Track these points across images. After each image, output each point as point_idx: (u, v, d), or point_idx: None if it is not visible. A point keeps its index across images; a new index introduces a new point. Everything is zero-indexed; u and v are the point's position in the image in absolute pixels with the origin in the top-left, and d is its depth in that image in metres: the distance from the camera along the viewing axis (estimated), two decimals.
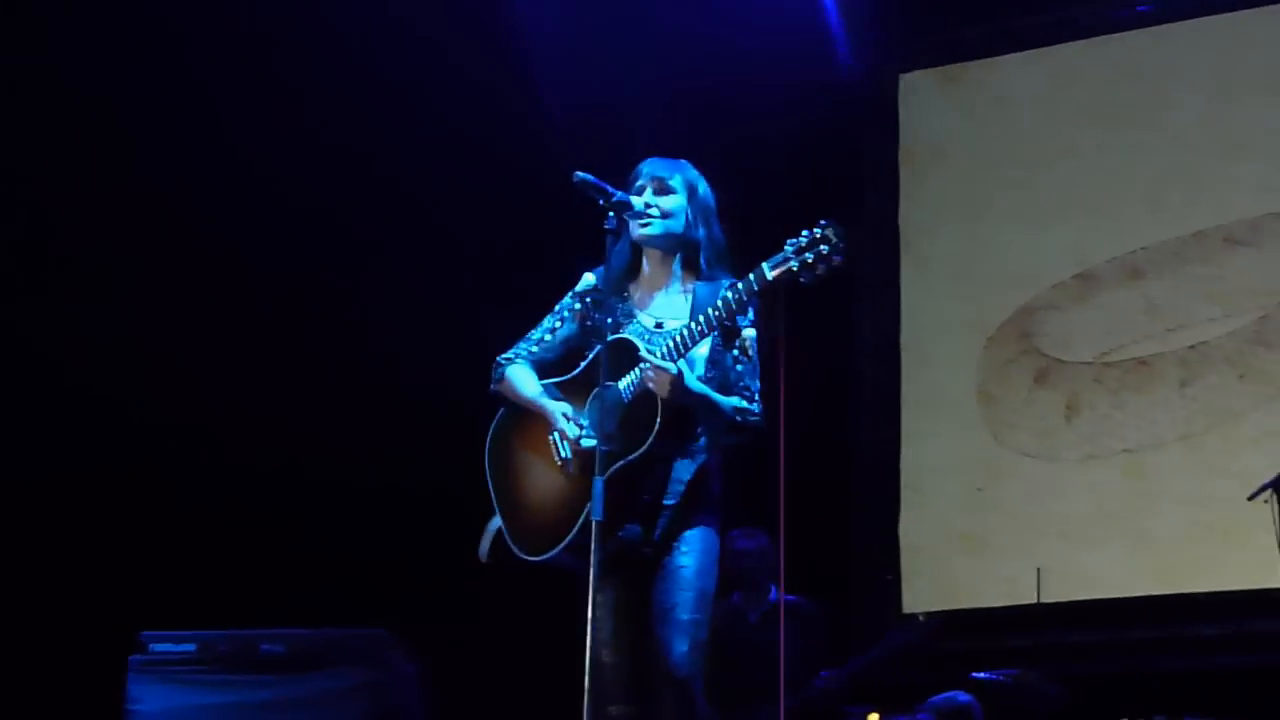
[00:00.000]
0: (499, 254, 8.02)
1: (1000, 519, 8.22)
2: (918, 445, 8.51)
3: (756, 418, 4.81)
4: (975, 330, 8.51)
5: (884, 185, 8.84)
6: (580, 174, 4.66)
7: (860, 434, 8.62)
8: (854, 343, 8.73)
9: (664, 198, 4.90)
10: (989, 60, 8.69)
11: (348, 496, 7.99)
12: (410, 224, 8.13)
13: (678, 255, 4.94)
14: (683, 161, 5.02)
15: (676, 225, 4.90)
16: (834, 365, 8.48)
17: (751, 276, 4.60)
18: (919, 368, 8.59)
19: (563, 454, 4.81)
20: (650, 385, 4.62)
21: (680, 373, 4.61)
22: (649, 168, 4.95)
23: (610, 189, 4.73)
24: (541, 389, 4.94)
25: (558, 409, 4.85)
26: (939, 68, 8.79)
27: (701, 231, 4.92)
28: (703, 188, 4.97)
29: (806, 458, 6.52)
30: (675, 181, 4.93)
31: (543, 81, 8.05)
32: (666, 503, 4.79)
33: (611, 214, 4.71)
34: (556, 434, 4.84)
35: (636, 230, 4.89)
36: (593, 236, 4.74)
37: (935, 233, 8.72)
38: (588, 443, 4.69)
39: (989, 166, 8.63)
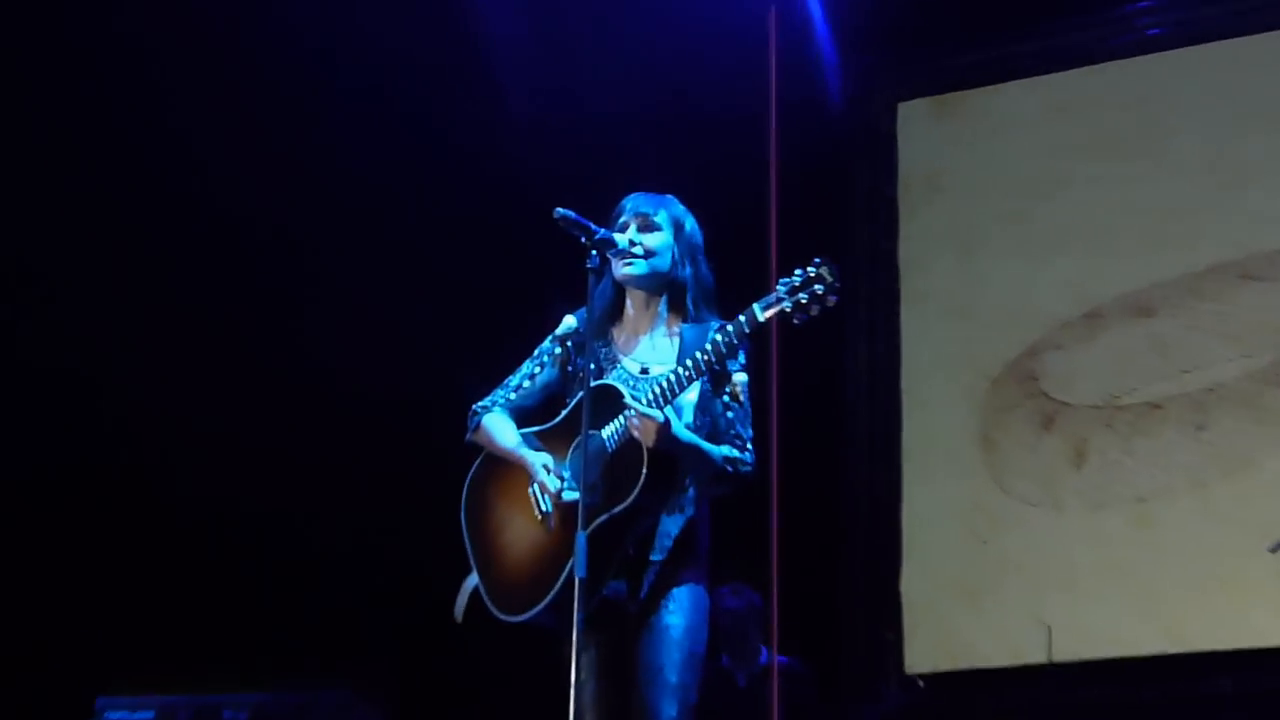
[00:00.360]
0: (474, 295, 7.99)
1: (1005, 572, 8.11)
2: (918, 494, 8.38)
3: (749, 467, 4.76)
4: (977, 370, 8.40)
5: (880, 217, 8.75)
6: (561, 210, 4.62)
7: (856, 482, 8.52)
8: (849, 385, 8.63)
9: (648, 235, 4.86)
10: (988, 88, 8.62)
11: (317, 549, 7.95)
12: (382, 263, 8.13)
13: (663, 296, 4.90)
14: (668, 197, 4.98)
15: (662, 264, 4.86)
16: (827, 408, 8.42)
17: (742, 318, 4.56)
18: (918, 410, 8.49)
19: (543, 508, 4.76)
20: (636, 434, 4.58)
21: (667, 420, 4.56)
22: (633, 203, 4.91)
23: (592, 226, 4.68)
24: (520, 439, 4.89)
25: (538, 460, 4.80)
26: (936, 96, 8.73)
27: (688, 270, 4.89)
28: (689, 224, 4.94)
29: (798, 508, 7.16)
30: (660, 218, 4.89)
31: (519, 113, 8.04)
32: (653, 558, 4.73)
33: (594, 252, 4.66)
34: (536, 486, 4.79)
35: (619, 269, 4.85)
36: (573, 276, 4.73)
37: (933, 267, 8.61)
38: (569, 496, 4.68)
39: (987, 198, 8.56)
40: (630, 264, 4.82)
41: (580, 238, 4.67)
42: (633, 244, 4.81)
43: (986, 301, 8.44)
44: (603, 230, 4.73)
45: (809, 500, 7.65)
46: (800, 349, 6.59)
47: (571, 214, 4.64)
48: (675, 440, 4.59)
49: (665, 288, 4.89)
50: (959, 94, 8.66)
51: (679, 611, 4.69)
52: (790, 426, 6.96)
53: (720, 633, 6.81)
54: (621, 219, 4.89)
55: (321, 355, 8.00)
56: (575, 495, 4.59)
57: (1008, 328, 8.35)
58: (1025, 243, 8.40)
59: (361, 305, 8.07)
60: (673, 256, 4.86)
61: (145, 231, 7.99)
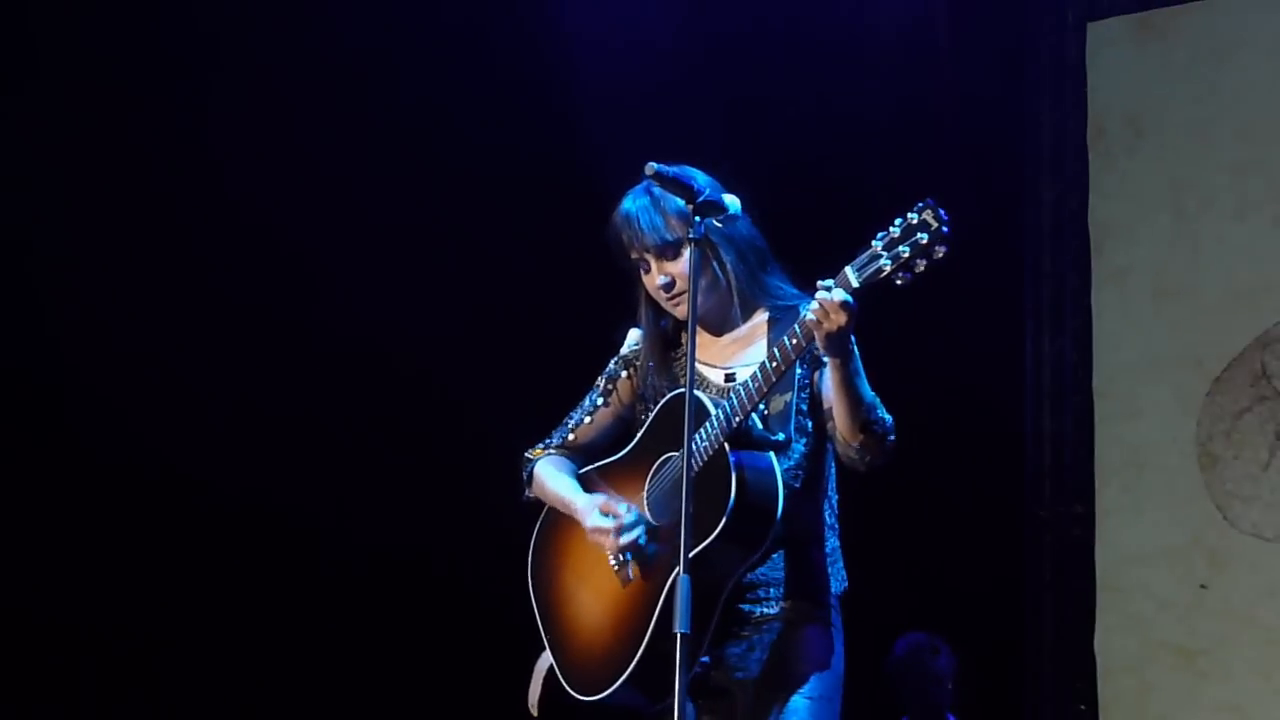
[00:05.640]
0: (518, 304, 7.89)
1: (1230, 627, 7.87)
2: (1117, 528, 8.06)
3: (893, 434, 4.57)
4: (1194, 368, 8.07)
5: (1066, 171, 8.45)
6: (657, 165, 4.48)
7: (1038, 513, 8.26)
8: (1027, 388, 8.36)
9: (673, 262, 4.79)
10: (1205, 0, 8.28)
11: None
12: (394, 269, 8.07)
13: (734, 299, 4.86)
14: (653, 192, 4.82)
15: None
16: (1000, 418, 8.16)
17: (831, 285, 4.38)
18: (1118, 421, 8.16)
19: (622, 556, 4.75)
20: (823, 322, 4.35)
21: (854, 304, 4.32)
22: (626, 230, 4.83)
23: (695, 183, 4.54)
24: (574, 482, 4.91)
25: (591, 503, 4.77)
26: (1138, 13, 8.38)
27: (731, 261, 4.82)
28: (704, 200, 4.69)
29: (969, 545, 7.41)
30: (671, 234, 4.79)
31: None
32: (759, 611, 4.67)
33: (699, 220, 4.49)
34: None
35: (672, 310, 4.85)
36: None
37: (1137, 235, 8.24)
38: (627, 535, 4.67)
39: (1208, 144, 8.21)
40: (677, 304, 4.76)
41: (681, 201, 4.53)
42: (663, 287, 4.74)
43: (1207, 278, 8.14)
44: (711, 188, 4.58)
45: (982, 536, 7.64)
46: (962, 342, 6.97)
47: (669, 169, 4.48)
48: (851, 340, 4.40)
49: (731, 293, 4.79)
50: (1168, 10, 8.32)
51: (802, 682, 4.61)
52: (952, 442, 7.09)
53: (909, 691, 7.62)
54: (633, 256, 4.78)
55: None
56: (635, 533, 4.64)
57: (1234, 312, 8.06)
58: (1257, 202, 8.09)
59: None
60: (712, 264, 4.75)
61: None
